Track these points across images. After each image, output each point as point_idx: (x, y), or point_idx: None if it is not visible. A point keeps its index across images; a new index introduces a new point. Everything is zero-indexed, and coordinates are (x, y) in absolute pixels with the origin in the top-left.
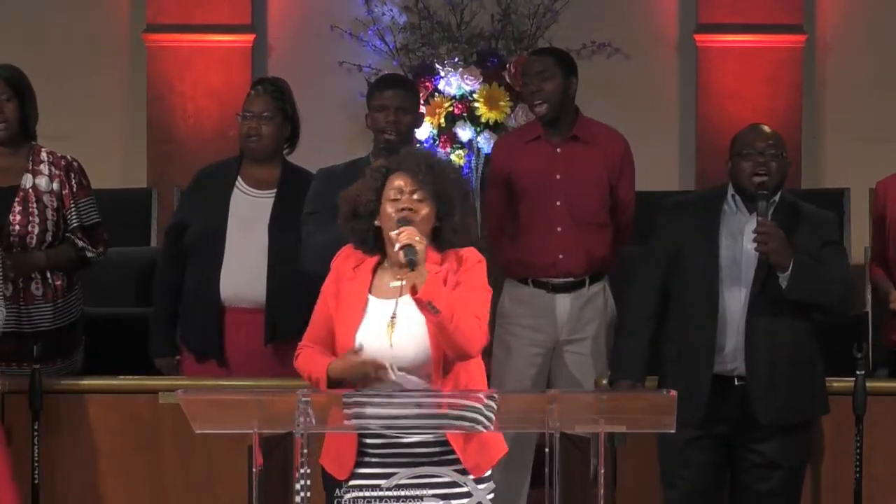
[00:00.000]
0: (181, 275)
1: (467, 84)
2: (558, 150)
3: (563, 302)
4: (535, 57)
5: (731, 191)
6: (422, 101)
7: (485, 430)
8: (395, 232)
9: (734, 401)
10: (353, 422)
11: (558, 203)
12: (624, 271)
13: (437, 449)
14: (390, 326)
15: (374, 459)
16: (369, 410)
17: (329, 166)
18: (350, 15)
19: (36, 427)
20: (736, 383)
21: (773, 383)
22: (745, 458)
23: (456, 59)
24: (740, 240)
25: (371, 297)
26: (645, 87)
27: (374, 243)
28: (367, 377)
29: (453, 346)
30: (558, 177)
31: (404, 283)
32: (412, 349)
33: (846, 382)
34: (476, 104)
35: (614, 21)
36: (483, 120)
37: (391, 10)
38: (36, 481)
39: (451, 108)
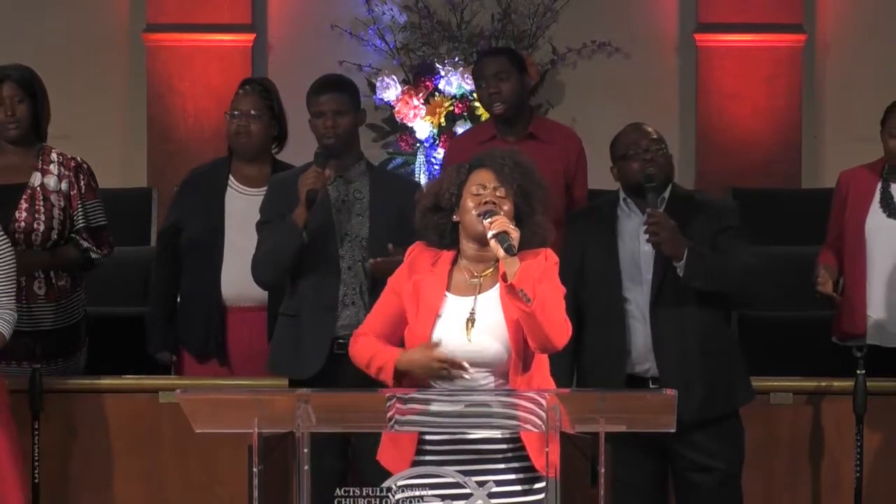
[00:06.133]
0: (176, 278)
1: (467, 83)
2: (515, 148)
3: None
4: (488, 59)
5: (622, 194)
6: (422, 101)
7: (536, 430)
8: (488, 220)
9: None
10: (415, 417)
11: None
12: None
13: (504, 446)
14: (469, 322)
15: (432, 458)
16: (434, 407)
17: (280, 173)
18: (350, 14)
19: (36, 427)
20: (651, 385)
21: (688, 379)
22: (678, 460)
23: (456, 59)
24: (637, 240)
25: (449, 295)
26: (645, 86)
27: (451, 238)
28: (439, 374)
29: (541, 338)
30: None
31: (482, 280)
32: (492, 346)
33: (846, 382)
34: (476, 103)
35: (614, 21)
36: (483, 119)
37: (391, 10)
38: (36, 481)
39: (451, 108)
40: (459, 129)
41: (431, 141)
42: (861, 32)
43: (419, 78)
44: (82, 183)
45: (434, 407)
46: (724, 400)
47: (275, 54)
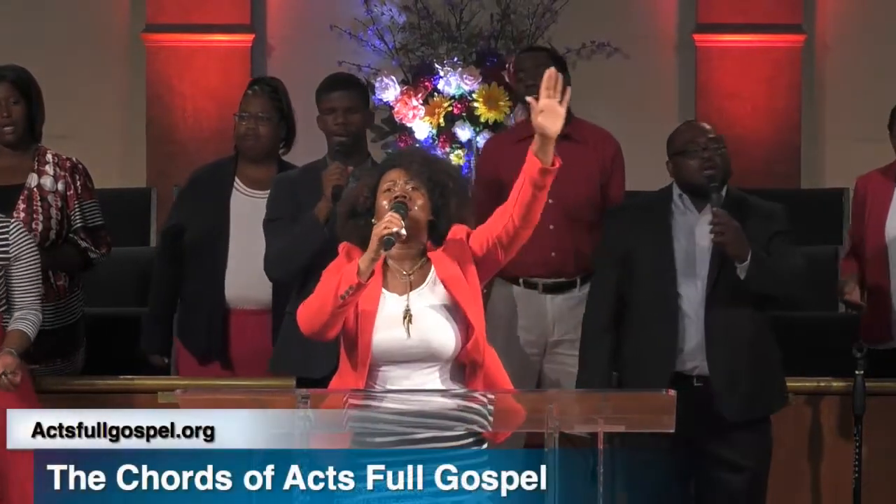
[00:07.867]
0: (178, 278)
1: (466, 84)
2: None
3: (554, 302)
4: (531, 53)
5: (677, 191)
6: (421, 102)
7: (483, 432)
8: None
9: (693, 401)
10: (363, 413)
11: (551, 201)
12: None
13: (454, 443)
14: (406, 320)
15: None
16: (376, 409)
17: (285, 172)
18: (349, 15)
19: None
20: (695, 384)
21: (735, 379)
22: (708, 459)
23: (455, 59)
24: (692, 237)
25: (385, 292)
26: (645, 87)
27: None
28: (381, 239)
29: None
30: None
31: (412, 277)
32: (433, 338)
33: (846, 382)
34: (475, 104)
35: (614, 21)
36: (482, 120)
37: (390, 10)
38: None
39: (450, 108)
40: (458, 130)
41: (430, 141)
42: (861, 32)
43: (418, 78)
44: (78, 183)
45: (386, 404)
46: (765, 402)
47: (274, 54)
